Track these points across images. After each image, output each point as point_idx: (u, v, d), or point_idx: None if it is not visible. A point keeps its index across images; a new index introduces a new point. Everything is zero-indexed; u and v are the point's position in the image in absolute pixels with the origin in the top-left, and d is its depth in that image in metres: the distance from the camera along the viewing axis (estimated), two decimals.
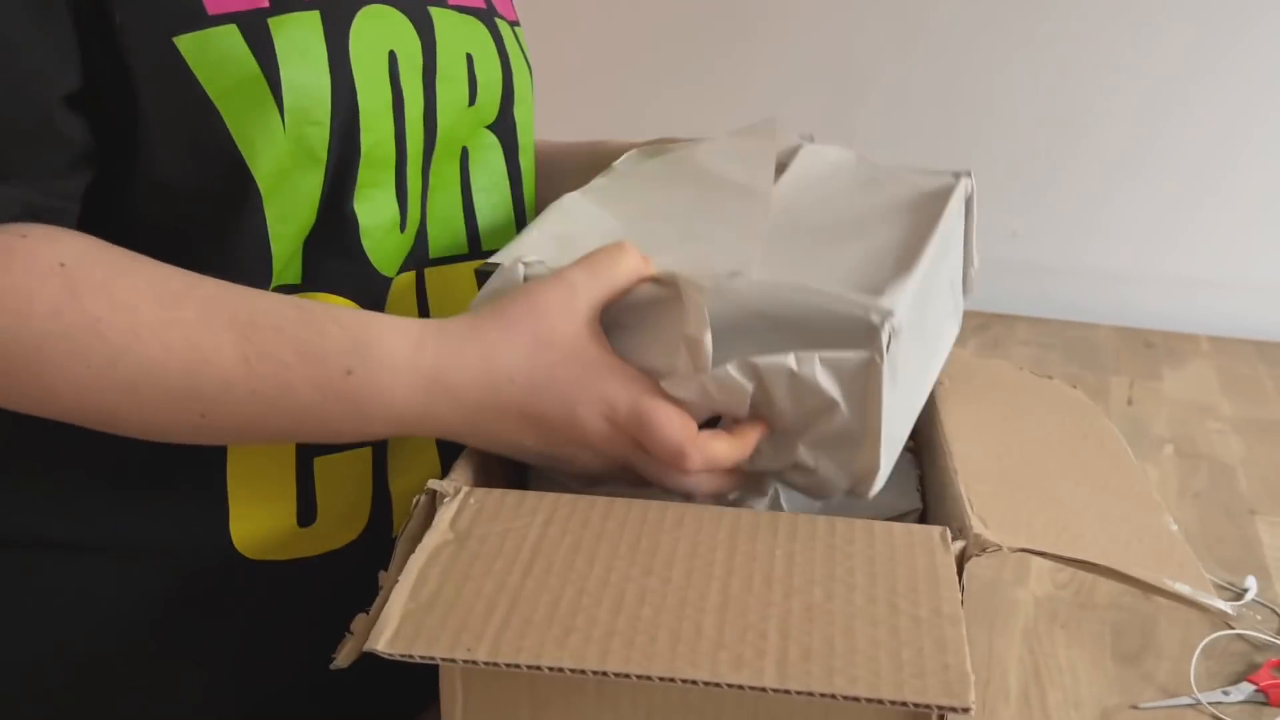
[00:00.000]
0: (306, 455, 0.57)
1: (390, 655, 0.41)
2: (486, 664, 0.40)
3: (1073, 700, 0.72)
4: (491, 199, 0.65)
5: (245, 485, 0.56)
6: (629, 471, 0.51)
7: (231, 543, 0.56)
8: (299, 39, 0.52)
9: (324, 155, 0.54)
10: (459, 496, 0.50)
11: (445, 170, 0.62)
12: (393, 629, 0.42)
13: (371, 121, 0.55)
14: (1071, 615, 0.81)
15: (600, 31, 1.60)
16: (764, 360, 0.48)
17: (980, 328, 1.42)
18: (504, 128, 0.66)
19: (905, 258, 0.53)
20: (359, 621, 0.54)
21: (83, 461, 0.55)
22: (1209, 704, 0.71)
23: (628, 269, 0.50)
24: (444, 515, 0.48)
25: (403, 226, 0.59)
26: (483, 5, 0.64)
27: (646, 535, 0.47)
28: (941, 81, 1.54)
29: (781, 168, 0.66)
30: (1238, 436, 1.11)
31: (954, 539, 0.46)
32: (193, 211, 0.52)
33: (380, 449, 0.60)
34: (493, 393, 0.49)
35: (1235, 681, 0.74)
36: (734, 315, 0.48)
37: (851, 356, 0.47)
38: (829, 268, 0.53)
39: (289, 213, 0.54)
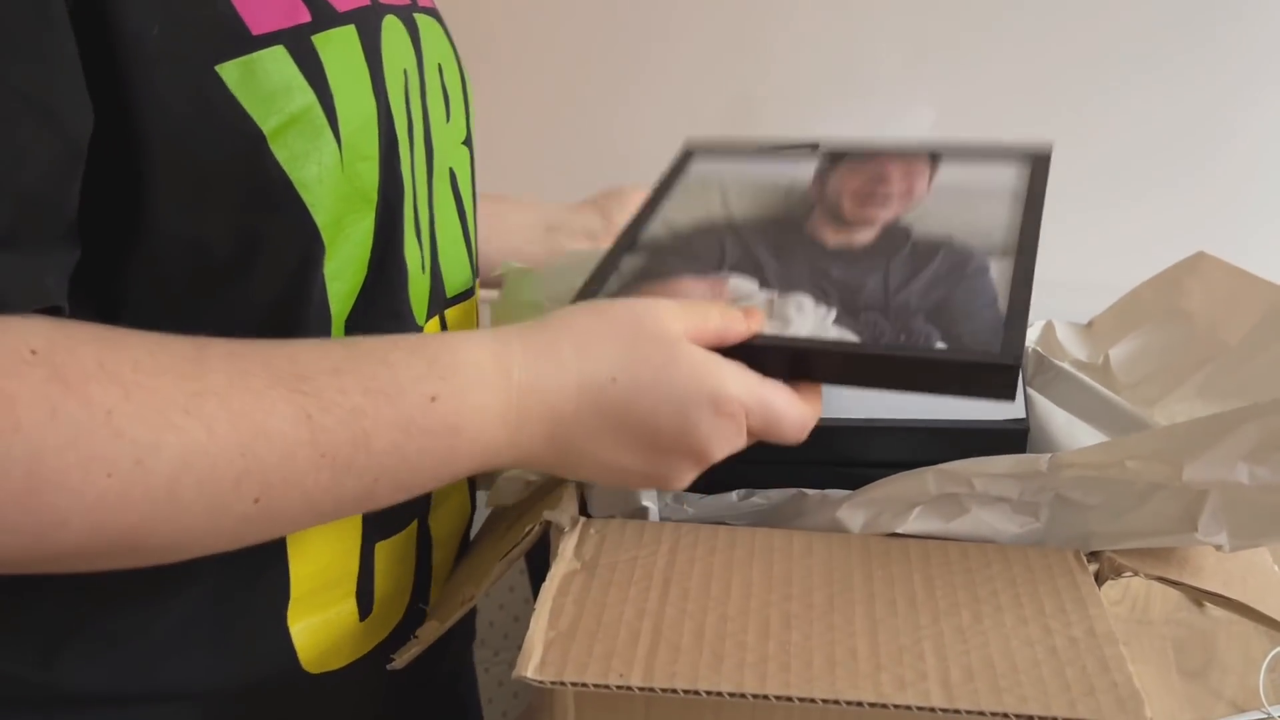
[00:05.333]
0: (370, 543, 0.52)
1: (539, 682, 0.40)
2: (642, 689, 0.40)
3: None
4: (473, 222, 0.59)
5: (309, 589, 0.50)
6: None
7: (297, 659, 0.50)
8: (344, 59, 0.43)
9: (374, 195, 0.46)
10: (578, 527, 0.49)
11: (442, 197, 0.54)
12: (538, 656, 0.41)
13: (404, 151, 0.49)
14: (1130, 632, 0.81)
15: None
16: None
17: None
18: (470, 142, 0.59)
19: None
20: (426, 629, 0.54)
21: (130, 610, 0.46)
22: None
23: (733, 328, 0.46)
24: (567, 545, 0.48)
25: (423, 266, 0.52)
26: (432, 4, 0.56)
27: (778, 562, 0.46)
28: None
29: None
30: None
31: (1088, 561, 0.46)
32: (233, 283, 0.42)
33: (424, 523, 0.57)
34: (592, 397, 0.42)
35: None
36: None
37: None
38: None
39: (344, 268, 0.46)
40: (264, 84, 0.40)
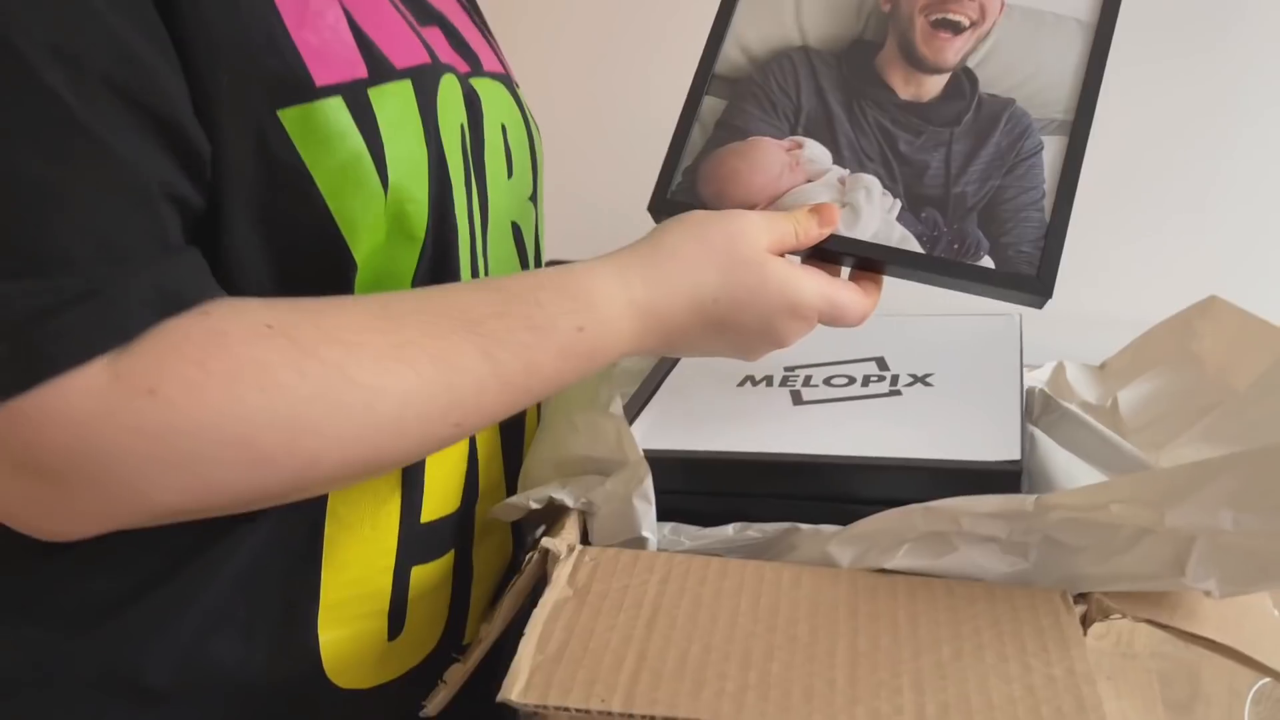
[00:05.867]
0: (405, 566, 0.55)
1: (524, 706, 0.41)
2: (621, 714, 0.41)
3: None
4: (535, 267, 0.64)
5: (339, 599, 0.52)
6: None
7: (323, 668, 0.52)
8: (398, 111, 0.49)
9: (421, 234, 0.51)
10: (574, 554, 0.50)
11: (501, 250, 0.59)
12: (524, 680, 0.42)
13: (460, 198, 0.53)
14: (1116, 666, 0.79)
15: None
16: None
17: None
18: (536, 198, 0.64)
19: None
20: (452, 672, 0.55)
21: (159, 596, 0.49)
22: None
23: (807, 233, 0.55)
24: (561, 572, 0.49)
25: None
26: (502, 70, 0.62)
27: (766, 594, 0.47)
28: None
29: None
30: None
31: (1075, 602, 0.46)
32: (273, 293, 0.47)
33: (465, 555, 0.59)
34: (698, 314, 0.52)
35: None
36: None
37: None
38: None
39: (380, 288, 0.50)
40: (320, 130, 0.45)
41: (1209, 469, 0.42)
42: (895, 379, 0.62)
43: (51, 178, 0.38)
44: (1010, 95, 0.57)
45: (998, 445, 0.52)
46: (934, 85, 0.59)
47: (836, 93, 0.60)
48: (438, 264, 0.52)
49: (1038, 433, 0.65)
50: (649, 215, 0.60)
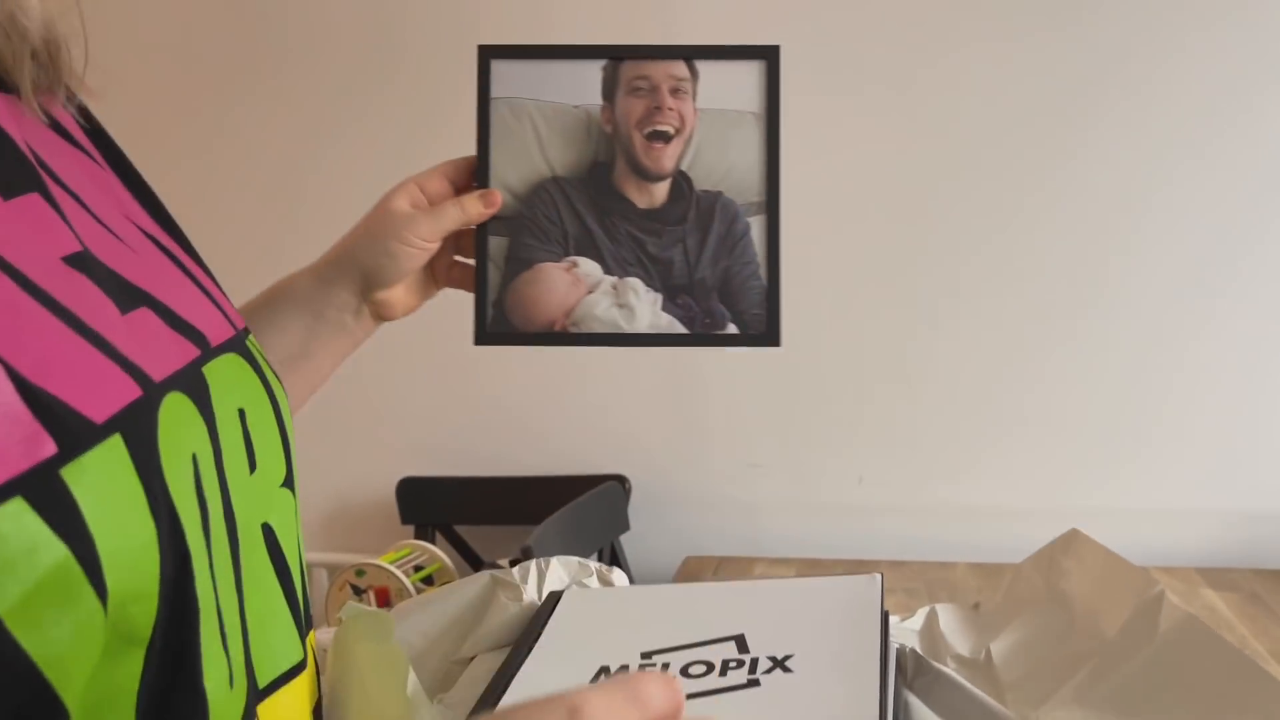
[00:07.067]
0: None
1: None
2: None
3: None
4: (299, 574, 0.51)
5: None
6: None
7: None
8: (107, 483, 0.36)
9: (148, 634, 0.37)
10: None
11: (255, 569, 0.47)
12: None
13: (200, 562, 0.40)
14: None
15: None
16: None
17: None
18: (290, 481, 0.52)
19: None
20: None
21: None
22: None
23: None
24: None
25: (230, 680, 0.42)
26: (232, 331, 0.50)
27: None
28: None
29: None
30: None
31: None
32: None
33: None
34: None
35: None
36: None
37: None
38: None
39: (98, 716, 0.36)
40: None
41: None
42: (754, 664, 0.58)
43: None
44: (718, 188, 0.69)
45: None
46: (661, 191, 0.69)
47: (590, 212, 0.69)
48: (168, 656, 0.39)
49: (912, 700, 0.62)
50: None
